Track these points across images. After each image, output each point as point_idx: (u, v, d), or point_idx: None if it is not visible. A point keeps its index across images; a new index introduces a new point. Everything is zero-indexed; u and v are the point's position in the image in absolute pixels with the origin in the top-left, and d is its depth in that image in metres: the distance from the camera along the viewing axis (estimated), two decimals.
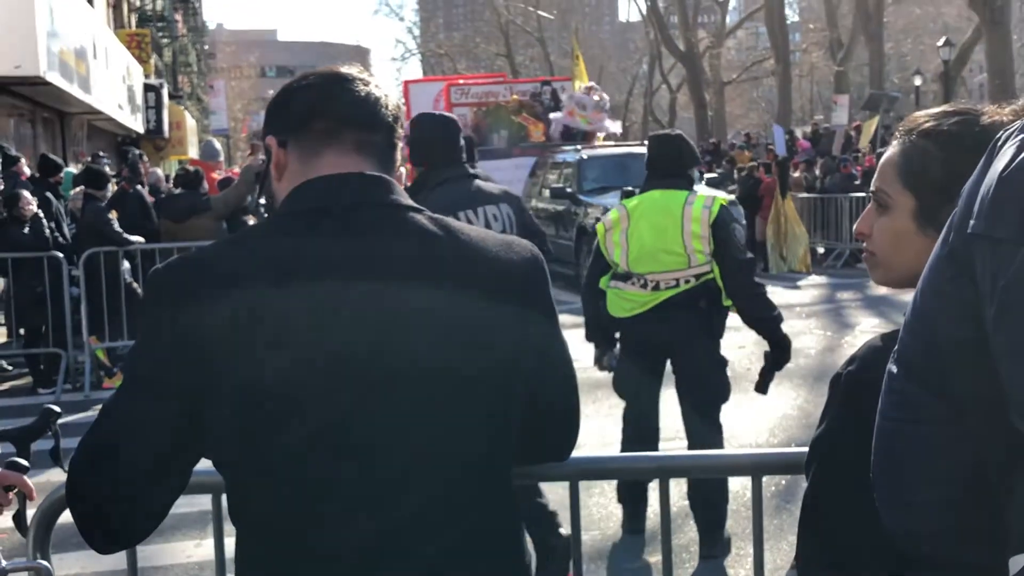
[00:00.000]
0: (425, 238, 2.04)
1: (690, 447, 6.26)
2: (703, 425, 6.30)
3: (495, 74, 37.90)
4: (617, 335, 6.57)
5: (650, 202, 6.30)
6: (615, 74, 76.58)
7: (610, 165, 19.29)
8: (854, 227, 2.18)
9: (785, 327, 6.24)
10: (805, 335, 13.67)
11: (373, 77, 2.18)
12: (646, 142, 7.32)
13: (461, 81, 27.83)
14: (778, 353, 6.14)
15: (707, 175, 20.90)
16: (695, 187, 6.41)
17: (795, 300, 17.02)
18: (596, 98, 23.70)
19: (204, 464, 2.06)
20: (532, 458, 2.29)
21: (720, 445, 6.31)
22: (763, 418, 9.42)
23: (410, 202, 2.11)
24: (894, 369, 1.71)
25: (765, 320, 6.13)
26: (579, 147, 20.77)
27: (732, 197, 19.67)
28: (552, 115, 23.64)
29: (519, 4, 66.72)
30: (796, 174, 23.51)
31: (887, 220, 2.09)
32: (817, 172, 24.58)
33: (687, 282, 6.20)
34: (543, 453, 2.32)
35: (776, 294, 14.85)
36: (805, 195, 22.89)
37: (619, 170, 18.75)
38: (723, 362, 6.35)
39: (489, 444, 2.02)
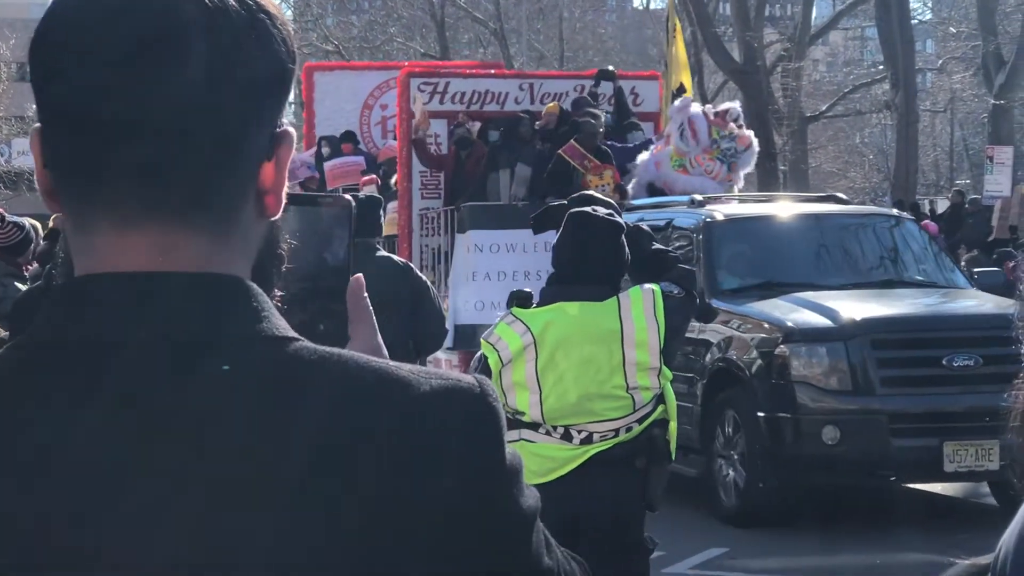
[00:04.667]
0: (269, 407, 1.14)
1: None
2: None
3: (488, 63, 25.30)
4: None
5: (566, 322, 5.08)
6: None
7: (765, 239, 11.72)
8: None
9: None
10: None
11: None
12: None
13: (440, 70, 18.16)
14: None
15: (977, 270, 13.40)
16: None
17: None
18: (734, 129, 14.24)
19: None
20: None
21: None
22: None
23: (276, 326, 1.17)
24: None
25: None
26: (698, 198, 12.55)
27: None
28: (639, 159, 14.47)
29: None
30: None
31: None
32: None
33: (628, 430, 5.15)
34: None
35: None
36: None
37: (776, 250, 11.75)
38: (649, 548, 5.33)
39: None
